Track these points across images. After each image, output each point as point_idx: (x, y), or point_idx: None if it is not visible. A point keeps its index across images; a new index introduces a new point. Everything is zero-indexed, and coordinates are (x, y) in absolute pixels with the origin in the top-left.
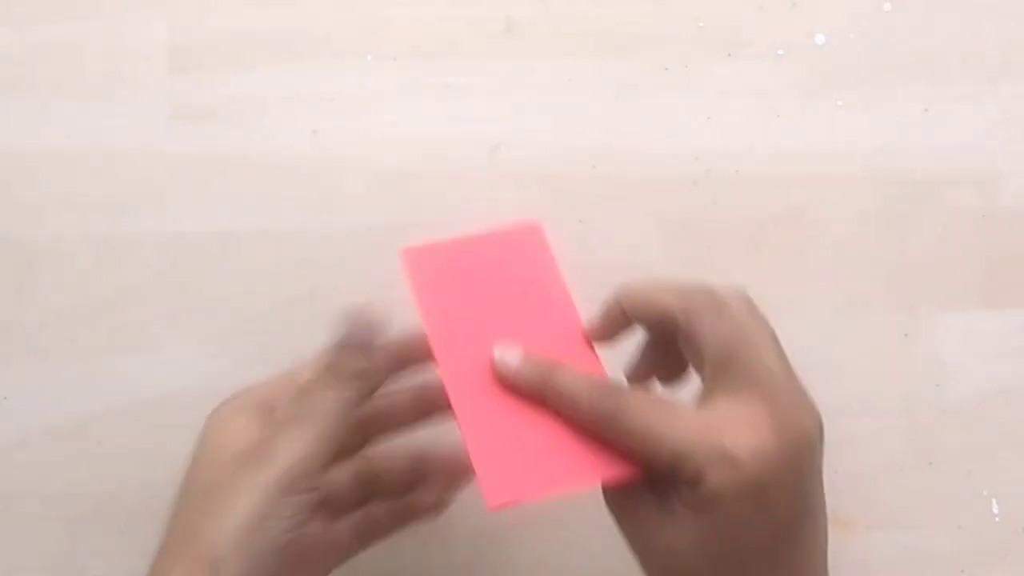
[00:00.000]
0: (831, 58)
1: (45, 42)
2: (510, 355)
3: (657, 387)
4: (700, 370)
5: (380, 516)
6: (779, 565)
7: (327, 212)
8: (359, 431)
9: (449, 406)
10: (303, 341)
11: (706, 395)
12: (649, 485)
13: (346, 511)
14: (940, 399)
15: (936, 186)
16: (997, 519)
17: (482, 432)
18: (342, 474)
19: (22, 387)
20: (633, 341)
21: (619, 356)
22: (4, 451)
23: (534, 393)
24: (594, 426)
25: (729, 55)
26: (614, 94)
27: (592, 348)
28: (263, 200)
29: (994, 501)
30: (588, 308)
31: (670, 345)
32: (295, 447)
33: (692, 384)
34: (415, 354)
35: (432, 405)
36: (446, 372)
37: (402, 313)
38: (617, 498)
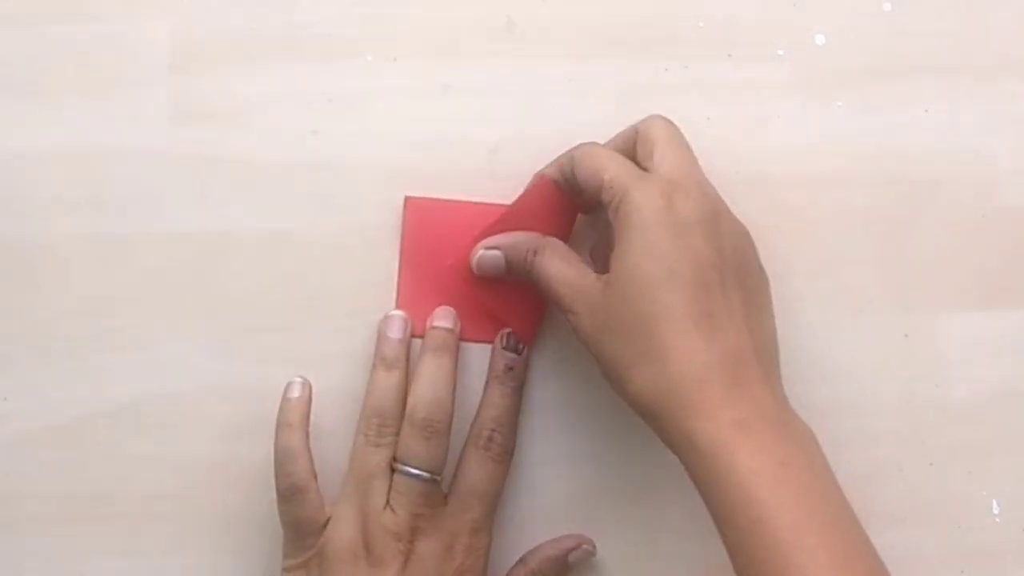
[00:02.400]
0: (831, 58)
1: (45, 42)
2: (485, 244)
3: None
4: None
5: None
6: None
7: (327, 211)
8: None
9: None
10: (303, 341)
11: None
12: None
13: None
14: (940, 399)
15: (936, 186)
16: (997, 519)
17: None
18: None
19: (22, 387)
20: None
21: None
22: (4, 451)
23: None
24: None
25: (729, 55)
26: (614, 94)
27: None
28: (263, 200)
29: (994, 501)
30: None
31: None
32: None
33: None
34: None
35: None
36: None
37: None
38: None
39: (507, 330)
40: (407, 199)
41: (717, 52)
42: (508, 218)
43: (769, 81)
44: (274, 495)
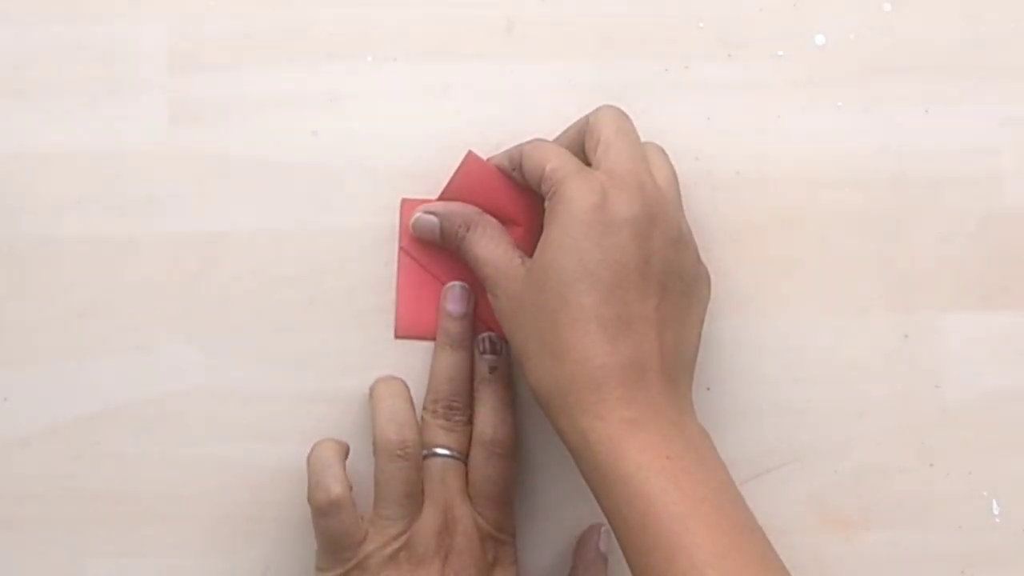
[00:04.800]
0: (831, 58)
1: (45, 42)
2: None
3: None
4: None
5: None
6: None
7: (327, 212)
8: None
9: None
10: (303, 341)
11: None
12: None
13: None
14: (940, 399)
15: (936, 186)
16: (997, 520)
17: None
18: None
19: (22, 387)
20: None
21: None
22: (4, 451)
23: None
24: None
25: (729, 55)
26: (614, 94)
27: None
28: (263, 200)
29: (994, 502)
30: None
31: None
32: None
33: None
34: None
35: None
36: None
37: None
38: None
39: (484, 335)
40: (403, 201)
41: (717, 52)
42: (449, 194)
43: (769, 81)
44: (274, 495)
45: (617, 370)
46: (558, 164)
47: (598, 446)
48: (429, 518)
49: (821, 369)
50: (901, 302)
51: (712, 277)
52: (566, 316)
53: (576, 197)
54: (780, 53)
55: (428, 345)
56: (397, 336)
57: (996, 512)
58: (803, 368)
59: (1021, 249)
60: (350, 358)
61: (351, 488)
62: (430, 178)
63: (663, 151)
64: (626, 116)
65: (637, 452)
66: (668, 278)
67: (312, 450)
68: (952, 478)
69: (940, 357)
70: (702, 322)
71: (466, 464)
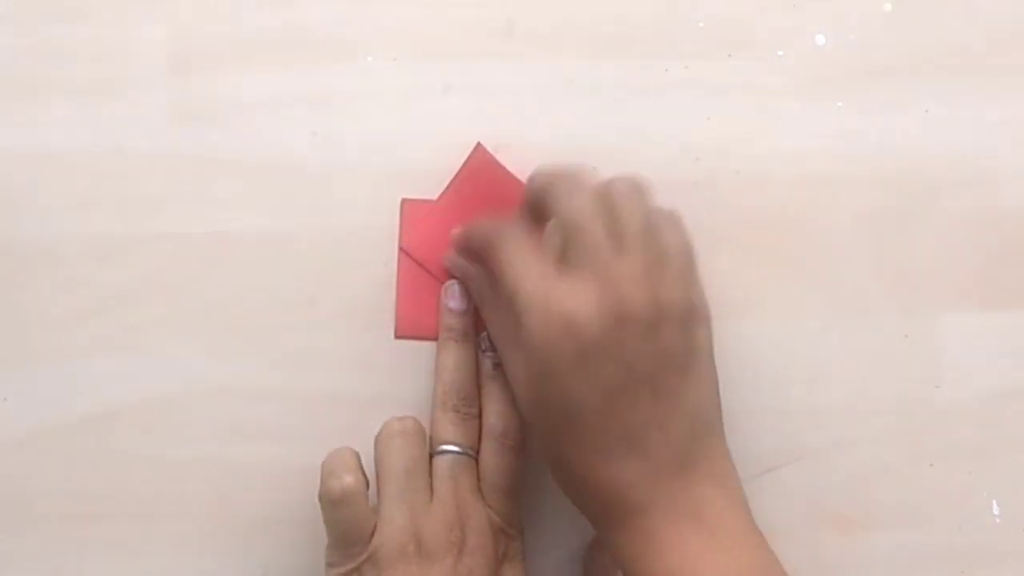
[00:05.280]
0: (831, 58)
1: (45, 42)
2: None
3: None
4: None
5: None
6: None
7: (327, 212)
8: None
9: None
10: (303, 341)
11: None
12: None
13: None
14: (940, 399)
15: (936, 186)
16: (997, 520)
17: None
18: None
19: (22, 387)
20: None
21: None
22: (4, 451)
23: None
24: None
25: (729, 55)
26: (614, 94)
27: None
28: (263, 200)
29: (994, 502)
30: None
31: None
32: None
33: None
34: None
35: None
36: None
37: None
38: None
39: (485, 333)
40: (403, 201)
41: (717, 52)
42: (455, 186)
43: (769, 81)
44: (275, 495)
45: (627, 488)
46: (513, 275)
47: (625, 563)
48: (439, 513)
49: (821, 369)
50: (901, 302)
51: (711, 277)
52: (570, 452)
53: (537, 329)
54: (780, 53)
55: (428, 345)
56: (397, 336)
57: (996, 512)
58: (803, 368)
59: (1021, 249)
60: (350, 358)
61: (366, 481)
62: (430, 178)
63: (673, 219)
64: (591, 204)
65: (659, 561)
66: (657, 368)
67: (328, 454)
68: (952, 478)
69: (940, 357)
70: (710, 360)
71: (476, 460)
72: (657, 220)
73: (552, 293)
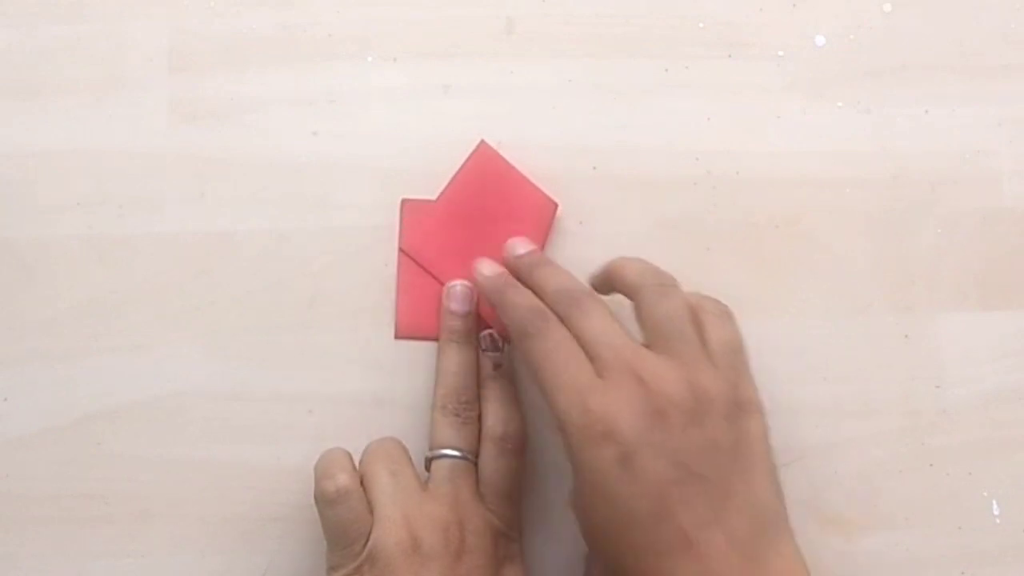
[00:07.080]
0: (831, 59)
1: (45, 42)
2: (487, 267)
3: None
4: None
5: None
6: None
7: (327, 212)
8: None
9: None
10: (303, 341)
11: None
12: None
13: None
14: (940, 399)
15: (936, 186)
16: (997, 520)
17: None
18: None
19: (22, 387)
20: None
21: None
22: (4, 451)
23: (491, 298)
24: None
25: (729, 55)
26: (614, 94)
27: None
28: (263, 200)
29: (994, 502)
30: None
31: None
32: None
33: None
34: None
35: None
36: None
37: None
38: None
39: (485, 332)
40: (403, 201)
41: (717, 52)
42: (457, 183)
43: (769, 81)
44: (274, 495)
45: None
46: (564, 404)
47: None
48: (435, 513)
49: (821, 369)
50: (901, 302)
51: (711, 277)
52: (626, 555)
53: (587, 460)
54: (780, 53)
55: (427, 345)
56: (397, 336)
57: (996, 512)
58: (803, 368)
59: (1021, 249)
60: (350, 358)
61: (360, 482)
62: (430, 178)
63: (722, 310)
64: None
65: None
66: (706, 460)
67: (320, 456)
68: (952, 478)
69: (940, 357)
70: (766, 453)
71: (475, 465)
72: (702, 316)
73: (590, 400)
